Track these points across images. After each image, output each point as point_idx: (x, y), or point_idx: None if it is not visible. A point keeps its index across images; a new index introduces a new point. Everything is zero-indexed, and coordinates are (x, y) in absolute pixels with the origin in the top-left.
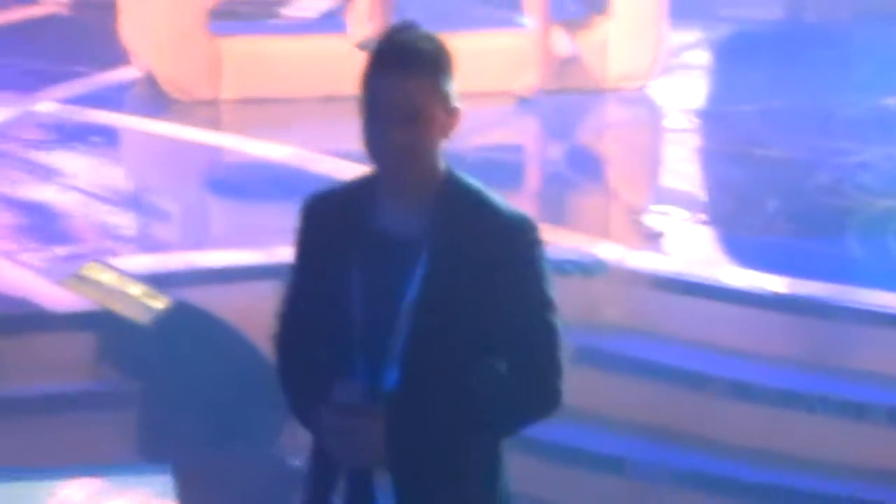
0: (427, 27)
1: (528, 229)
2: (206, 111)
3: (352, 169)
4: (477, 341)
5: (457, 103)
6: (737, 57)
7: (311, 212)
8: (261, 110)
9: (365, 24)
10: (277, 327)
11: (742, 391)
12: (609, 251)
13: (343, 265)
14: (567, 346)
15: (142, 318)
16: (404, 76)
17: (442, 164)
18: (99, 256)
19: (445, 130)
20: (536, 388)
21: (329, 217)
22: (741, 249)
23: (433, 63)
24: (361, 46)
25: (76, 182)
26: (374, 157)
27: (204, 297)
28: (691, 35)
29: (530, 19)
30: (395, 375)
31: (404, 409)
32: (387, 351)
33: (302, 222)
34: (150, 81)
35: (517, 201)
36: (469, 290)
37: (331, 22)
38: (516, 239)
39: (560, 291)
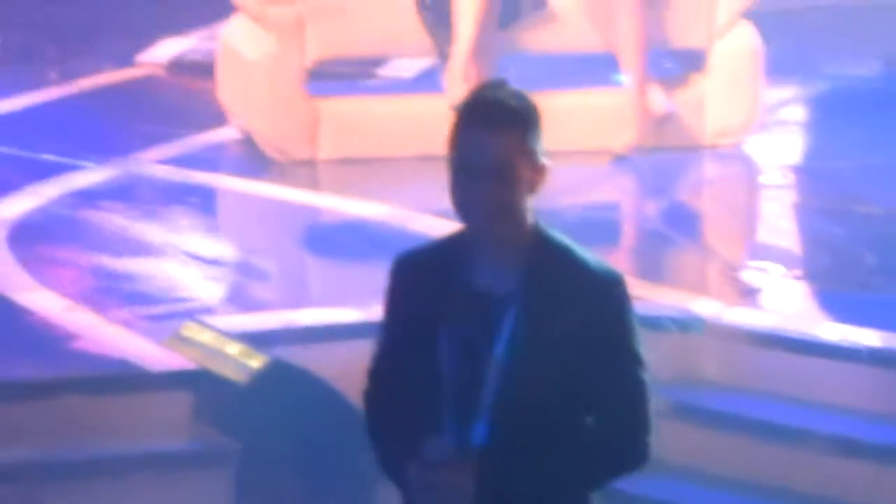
0: (524, 86)
1: (618, 284)
2: (304, 171)
3: (448, 227)
4: (566, 397)
5: (545, 160)
6: (834, 113)
7: (401, 269)
8: (358, 170)
9: (461, 85)
10: (367, 384)
11: (843, 447)
12: (706, 307)
13: (432, 320)
14: (659, 401)
15: (239, 377)
16: (491, 133)
17: (531, 220)
18: (198, 316)
19: (533, 187)
20: (626, 444)
21: (419, 273)
22: (839, 305)
23: (520, 120)
24: (457, 108)
25: (176, 242)
26: (461, 214)
27: (301, 356)
28: (788, 91)
29: (627, 77)
30: (483, 431)
31: (493, 464)
32: (475, 407)
33: (392, 279)
34: (248, 142)
35: (614, 259)
36: (559, 346)
37: (428, 82)
38: (606, 294)
39: (657, 348)
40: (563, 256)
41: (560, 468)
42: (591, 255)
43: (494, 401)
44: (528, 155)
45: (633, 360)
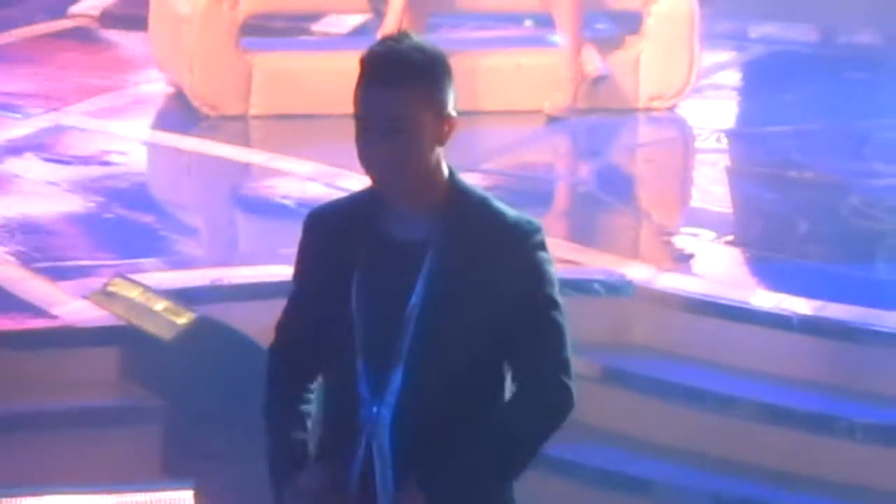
0: (458, 46)
1: (535, 232)
2: (235, 127)
3: None
4: (483, 342)
5: (452, 112)
6: (769, 78)
7: (315, 221)
8: (289, 127)
9: None
10: (276, 339)
11: (770, 414)
12: (638, 272)
13: (345, 270)
14: (588, 365)
15: (166, 333)
16: (385, 87)
17: (444, 170)
18: (124, 272)
19: (440, 139)
20: (547, 388)
21: (332, 226)
22: (771, 272)
23: (417, 73)
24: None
25: (103, 197)
26: (365, 171)
27: (228, 314)
28: (723, 55)
29: (562, 38)
30: (398, 379)
31: (410, 413)
32: (391, 354)
33: (305, 232)
34: (180, 96)
35: (546, 221)
36: (475, 292)
37: (361, 39)
38: (523, 242)
39: (587, 312)
40: (480, 206)
41: (478, 421)
42: (509, 207)
43: (410, 347)
44: (429, 107)
45: (549, 305)
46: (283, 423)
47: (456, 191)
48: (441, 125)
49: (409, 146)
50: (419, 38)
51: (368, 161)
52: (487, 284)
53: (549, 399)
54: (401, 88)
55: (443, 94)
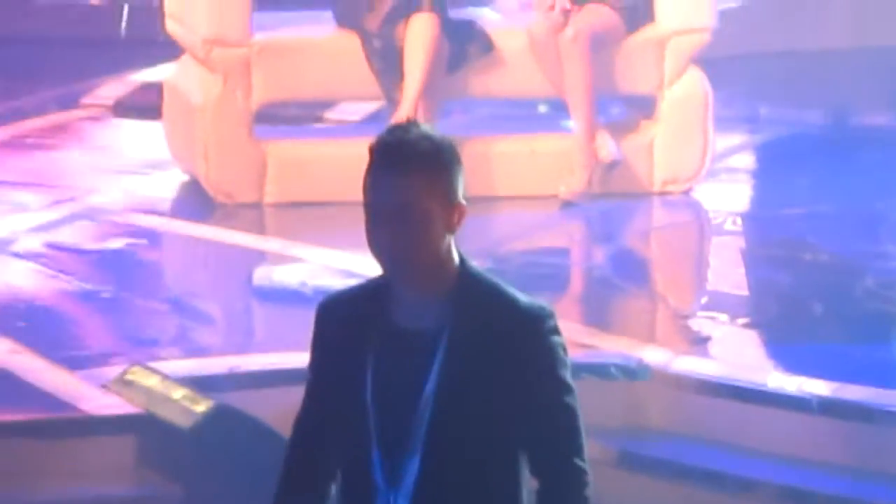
0: (472, 131)
1: (547, 317)
2: (250, 215)
3: None
4: (497, 430)
5: (461, 199)
6: (782, 161)
7: (326, 311)
8: (304, 214)
9: None
10: (292, 438)
11: (791, 497)
12: (654, 355)
13: (358, 359)
14: (605, 450)
15: (184, 421)
16: (393, 174)
17: (455, 258)
18: (142, 360)
19: (449, 226)
20: (568, 480)
21: (344, 315)
22: (788, 354)
23: (426, 161)
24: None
25: (119, 285)
26: (374, 258)
27: (246, 401)
28: (737, 138)
29: (576, 123)
30: (415, 468)
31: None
32: (406, 443)
33: (317, 322)
34: (194, 185)
35: (561, 306)
36: (489, 378)
37: (375, 126)
38: (535, 326)
39: (604, 395)
40: (492, 292)
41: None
42: (518, 291)
43: (427, 436)
44: (437, 196)
45: (563, 390)
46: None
47: (467, 277)
48: (451, 213)
49: (418, 234)
50: (428, 126)
51: (377, 249)
52: (501, 370)
53: (573, 491)
54: (409, 177)
55: (452, 181)
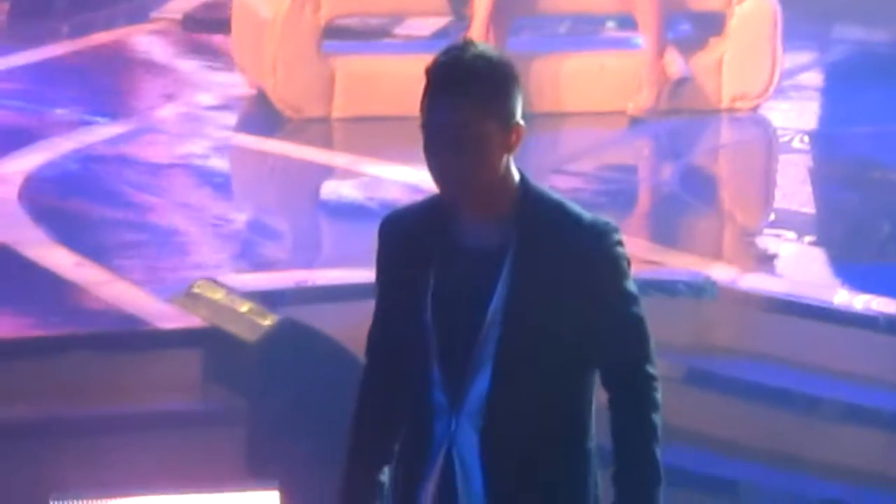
0: (542, 48)
1: (611, 231)
2: (318, 129)
3: None
4: (567, 343)
5: (519, 120)
6: (851, 79)
7: (389, 229)
8: (372, 129)
9: None
10: (366, 357)
11: (855, 414)
12: (722, 273)
13: (420, 277)
14: (672, 367)
15: (251, 336)
16: (449, 94)
17: (515, 176)
18: (210, 274)
19: (507, 146)
20: (639, 389)
21: (406, 232)
22: (855, 273)
23: (481, 81)
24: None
25: (188, 199)
26: (434, 182)
27: (312, 316)
28: (805, 57)
29: (644, 40)
30: (484, 384)
31: (496, 419)
32: (469, 361)
33: (380, 240)
34: (262, 99)
35: (630, 222)
36: (555, 294)
37: (443, 42)
38: (599, 241)
39: (671, 313)
40: (555, 210)
41: (565, 420)
42: (582, 209)
43: (497, 354)
44: (493, 117)
45: (630, 301)
46: (362, 469)
47: (529, 196)
48: (508, 134)
49: (475, 156)
50: (485, 46)
51: (433, 170)
52: (567, 285)
53: (644, 396)
54: (465, 98)
55: (509, 102)
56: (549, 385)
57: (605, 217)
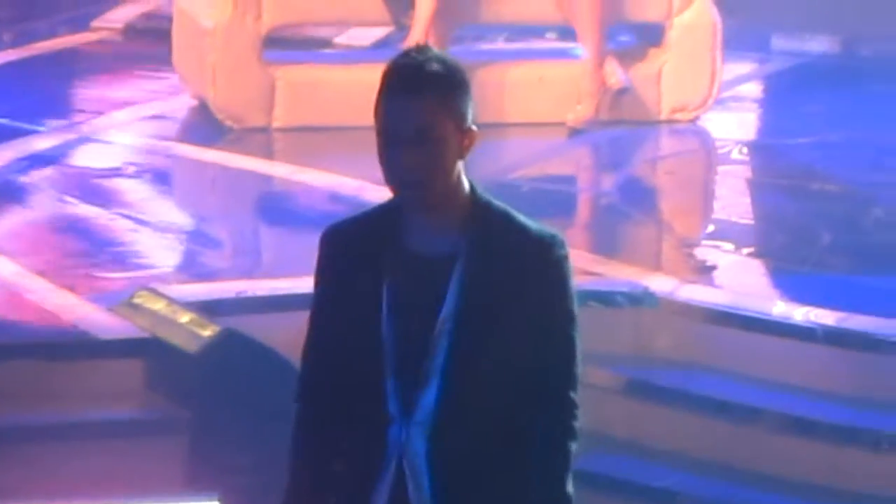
0: (482, 58)
1: (558, 245)
2: (258, 139)
3: None
4: (511, 354)
5: (472, 125)
6: (791, 90)
7: (334, 238)
8: (312, 139)
9: None
10: (302, 371)
11: (795, 426)
12: (661, 283)
13: (372, 287)
14: (611, 377)
15: (191, 346)
16: (407, 97)
17: (466, 185)
18: (150, 284)
19: (461, 151)
20: (553, 398)
21: (353, 242)
22: (794, 283)
23: (438, 83)
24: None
25: (127, 209)
26: (387, 180)
27: (253, 326)
28: (745, 67)
29: (585, 50)
30: (433, 393)
31: (443, 430)
32: (420, 372)
33: (324, 249)
34: (203, 109)
35: (569, 233)
36: (503, 304)
37: (384, 52)
38: (547, 254)
39: (610, 323)
40: (503, 220)
41: (514, 430)
42: (531, 219)
43: (444, 363)
44: (451, 119)
45: (568, 320)
46: (305, 472)
47: (478, 205)
48: (462, 138)
49: (433, 156)
50: (439, 51)
51: (392, 172)
52: (514, 296)
53: (563, 421)
54: (424, 98)
55: (464, 106)
56: (498, 395)
57: (553, 229)
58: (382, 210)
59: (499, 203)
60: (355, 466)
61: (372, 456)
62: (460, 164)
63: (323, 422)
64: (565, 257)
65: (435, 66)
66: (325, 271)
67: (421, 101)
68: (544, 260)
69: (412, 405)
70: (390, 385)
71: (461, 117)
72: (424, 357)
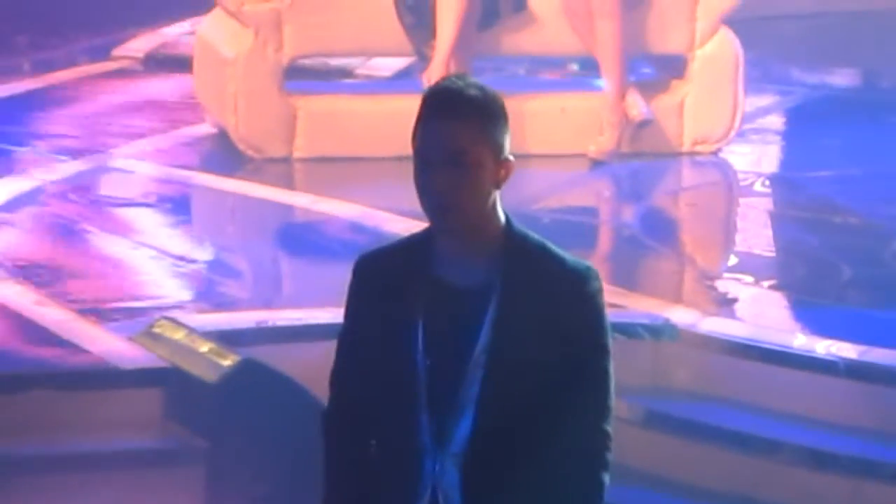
0: (503, 89)
1: (592, 278)
2: (279, 169)
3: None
4: (543, 388)
5: (509, 156)
6: (812, 123)
7: (367, 268)
8: (333, 169)
9: None
10: (332, 397)
11: (814, 459)
12: (681, 316)
13: (406, 317)
14: (631, 409)
15: (211, 375)
16: (447, 121)
17: (501, 216)
18: (170, 313)
19: (497, 181)
20: (590, 442)
21: (386, 273)
22: (815, 316)
23: (477, 109)
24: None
25: (148, 239)
26: (422, 205)
27: (273, 356)
28: (766, 100)
29: (606, 82)
30: (467, 425)
31: (476, 463)
32: (454, 404)
33: (357, 279)
34: (224, 138)
35: (589, 262)
36: (537, 337)
37: (405, 82)
38: (583, 288)
39: (631, 355)
40: (539, 252)
41: (534, 465)
42: (566, 252)
43: (479, 395)
44: (489, 146)
45: (603, 354)
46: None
47: (513, 237)
48: (498, 168)
49: (468, 180)
50: (478, 81)
51: (426, 195)
52: (549, 329)
53: (596, 455)
54: (462, 122)
55: (501, 135)
56: (531, 427)
57: (587, 262)
58: (415, 240)
59: (535, 235)
60: (389, 496)
61: (406, 486)
62: (496, 195)
63: (354, 443)
64: (599, 290)
65: (474, 93)
66: (358, 301)
67: (458, 125)
68: (580, 293)
69: (446, 436)
70: (424, 416)
71: (498, 147)
72: (458, 388)
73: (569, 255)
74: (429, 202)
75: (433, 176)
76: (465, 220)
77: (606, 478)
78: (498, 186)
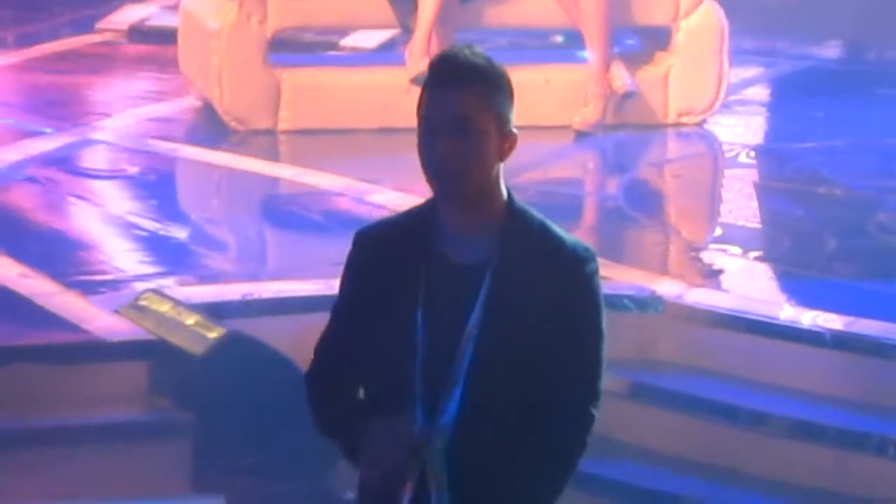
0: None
1: (590, 259)
2: (264, 142)
3: (407, 201)
4: (536, 365)
5: (513, 129)
6: (798, 94)
7: (367, 241)
8: (317, 141)
9: (422, 58)
10: (317, 361)
11: (801, 430)
12: (667, 287)
13: (408, 291)
14: (617, 381)
15: (196, 348)
16: (452, 88)
17: (503, 191)
18: (155, 286)
19: (500, 153)
20: (575, 422)
21: (386, 246)
22: (801, 288)
23: (482, 76)
24: (415, 81)
25: (132, 211)
26: (426, 173)
27: (258, 328)
28: (752, 71)
29: (591, 54)
30: (456, 398)
31: (465, 438)
32: (446, 378)
33: (356, 252)
34: (208, 111)
35: (575, 236)
36: (531, 315)
37: (389, 54)
38: (581, 269)
39: (616, 327)
40: (538, 230)
41: (518, 442)
42: (565, 231)
43: (469, 372)
44: (493, 115)
45: (596, 335)
46: (338, 411)
47: (514, 213)
48: (502, 140)
49: (471, 147)
50: (486, 53)
51: (432, 161)
52: (543, 308)
53: (577, 435)
54: (467, 90)
55: (506, 108)
56: (518, 404)
57: (585, 243)
58: (415, 214)
59: (535, 212)
60: None
61: None
62: (499, 168)
63: (340, 396)
64: (596, 272)
65: (481, 62)
66: (357, 273)
67: (464, 92)
68: (577, 274)
69: (436, 412)
70: (417, 391)
71: (502, 118)
72: (451, 363)
73: (567, 235)
74: (433, 168)
75: (438, 142)
76: (468, 187)
77: (578, 458)
78: (501, 159)
